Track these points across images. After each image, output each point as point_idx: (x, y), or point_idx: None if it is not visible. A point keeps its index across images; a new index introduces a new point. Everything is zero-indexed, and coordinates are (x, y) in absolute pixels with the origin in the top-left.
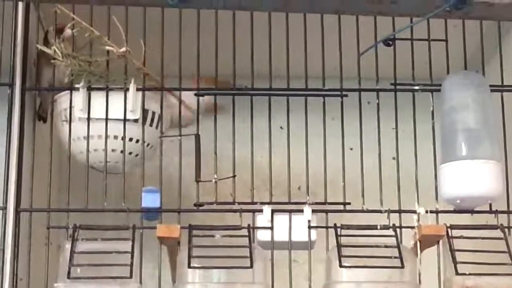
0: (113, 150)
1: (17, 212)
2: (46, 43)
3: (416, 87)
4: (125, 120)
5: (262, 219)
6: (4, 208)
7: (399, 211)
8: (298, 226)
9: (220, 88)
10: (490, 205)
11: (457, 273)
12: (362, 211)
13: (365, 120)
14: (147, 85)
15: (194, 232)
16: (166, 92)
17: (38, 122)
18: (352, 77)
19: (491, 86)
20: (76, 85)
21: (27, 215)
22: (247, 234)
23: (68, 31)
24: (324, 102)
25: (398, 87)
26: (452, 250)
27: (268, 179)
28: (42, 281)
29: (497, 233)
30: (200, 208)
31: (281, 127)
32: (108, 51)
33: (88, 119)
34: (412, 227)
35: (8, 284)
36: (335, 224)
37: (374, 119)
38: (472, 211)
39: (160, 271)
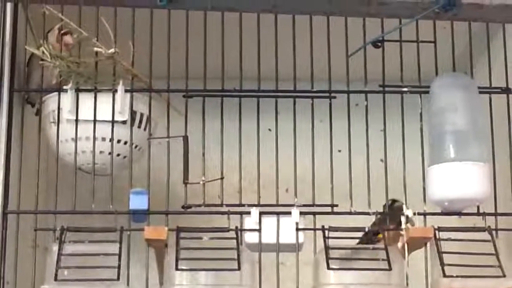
0: (101, 152)
1: (4, 214)
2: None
3: (405, 89)
4: (113, 121)
5: (250, 221)
6: None
7: (387, 213)
8: (285, 228)
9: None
10: (478, 207)
11: (444, 275)
12: (350, 213)
13: (353, 122)
14: (136, 86)
15: (182, 234)
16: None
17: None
18: (340, 78)
19: (479, 87)
20: (64, 87)
21: (14, 217)
22: (234, 236)
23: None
24: (312, 104)
25: (386, 88)
26: (440, 252)
27: (256, 181)
28: (29, 284)
29: (485, 235)
30: (188, 210)
31: (269, 129)
32: (96, 52)
33: (76, 120)
34: (400, 229)
35: None
36: (323, 226)
37: (363, 121)
38: (460, 213)
39: (147, 273)
